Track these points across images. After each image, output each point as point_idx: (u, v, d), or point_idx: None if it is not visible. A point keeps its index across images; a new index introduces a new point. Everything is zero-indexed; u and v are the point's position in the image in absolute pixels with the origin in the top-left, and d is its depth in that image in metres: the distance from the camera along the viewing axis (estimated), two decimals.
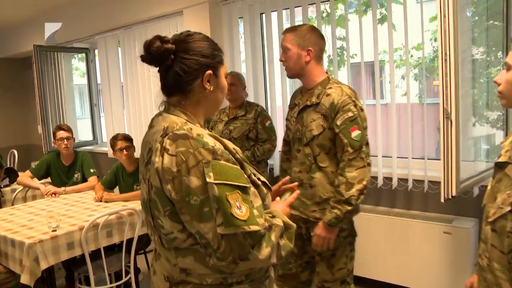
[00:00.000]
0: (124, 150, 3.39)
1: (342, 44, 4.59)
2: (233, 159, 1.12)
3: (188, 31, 1.24)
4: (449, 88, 2.09)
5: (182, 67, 1.17)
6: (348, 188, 1.94)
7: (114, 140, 3.44)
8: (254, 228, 1.06)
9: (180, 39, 1.20)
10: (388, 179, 3.09)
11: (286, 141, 2.35)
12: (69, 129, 3.79)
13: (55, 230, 2.57)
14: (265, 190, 1.21)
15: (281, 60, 2.11)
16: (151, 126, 1.23)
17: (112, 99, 5.01)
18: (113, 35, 4.79)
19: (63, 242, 2.52)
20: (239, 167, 1.12)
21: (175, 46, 1.18)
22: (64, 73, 5.61)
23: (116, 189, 3.63)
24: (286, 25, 2.77)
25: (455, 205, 2.84)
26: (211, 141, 1.10)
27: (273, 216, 1.18)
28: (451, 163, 2.14)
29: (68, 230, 2.58)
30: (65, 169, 3.83)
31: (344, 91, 2.00)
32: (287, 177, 1.51)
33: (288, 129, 2.27)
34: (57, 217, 2.67)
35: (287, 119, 2.30)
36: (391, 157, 3.05)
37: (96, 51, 5.27)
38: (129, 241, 2.86)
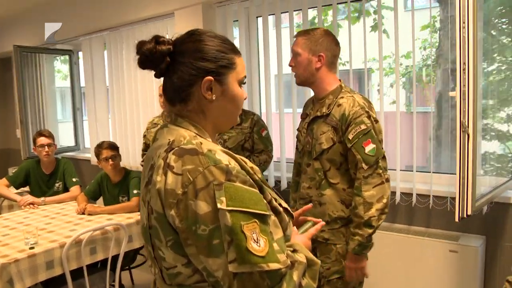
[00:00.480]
0: (110, 159, 3.18)
1: None
2: (251, 180, 0.93)
3: (196, 29, 1.06)
4: (466, 100, 1.94)
5: (176, 73, 1.01)
6: (367, 208, 1.78)
7: (99, 148, 3.23)
8: (273, 266, 0.87)
9: (180, 40, 1.04)
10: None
11: (299, 152, 2.18)
12: (50, 135, 3.55)
13: (33, 248, 2.34)
14: (286, 218, 1.03)
15: (290, 65, 1.95)
16: (154, 139, 1.05)
17: (97, 103, 4.77)
18: (99, 36, 4.57)
19: (41, 261, 2.29)
20: (257, 191, 0.94)
21: (173, 48, 1.01)
22: (45, 75, 5.34)
23: (100, 200, 3.41)
24: (273, 31, 2.61)
25: (460, 221, 2.70)
26: (224, 159, 0.92)
27: (295, 251, 1.00)
28: (467, 180, 1.99)
29: (48, 247, 2.36)
30: (45, 177, 3.58)
31: (357, 101, 1.84)
32: (310, 205, 1.34)
33: (298, 141, 2.12)
34: (36, 232, 2.45)
35: (298, 130, 2.15)
36: (394, 169, 2.90)
37: (80, 53, 5.02)
38: (114, 257, 2.65)
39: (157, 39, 1.01)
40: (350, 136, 1.81)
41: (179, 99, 1.03)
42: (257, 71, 3.61)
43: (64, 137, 5.96)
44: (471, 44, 1.91)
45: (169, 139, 0.98)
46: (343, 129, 1.83)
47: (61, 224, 2.81)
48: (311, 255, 1.01)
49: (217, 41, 1.03)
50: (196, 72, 1.00)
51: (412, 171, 2.82)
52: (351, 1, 3.05)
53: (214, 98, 1.01)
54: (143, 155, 3.47)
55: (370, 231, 1.77)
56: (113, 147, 3.23)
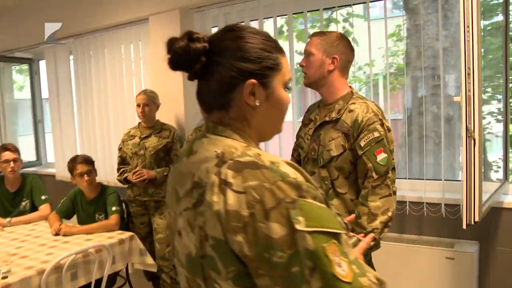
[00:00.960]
0: (85, 175, 2.95)
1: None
2: (320, 195, 0.80)
3: (234, 24, 0.93)
4: (472, 105, 1.92)
5: (214, 75, 0.88)
6: (371, 220, 1.70)
7: (72, 163, 2.99)
8: None
9: (217, 36, 0.91)
10: None
11: (297, 161, 2.07)
12: (16, 150, 3.27)
13: (6, 277, 2.09)
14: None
15: (301, 65, 1.86)
16: (190, 152, 0.90)
17: (62, 115, 4.49)
18: (64, 44, 4.30)
19: None
20: (327, 207, 0.81)
21: (210, 46, 0.88)
22: (4, 85, 4.99)
23: (74, 219, 3.16)
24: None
25: (453, 227, 2.69)
26: (290, 172, 0.78)
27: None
28: (474, 186, 1.96)
29: (24, 275, 2.11)
30: (10, 196, 3.29)
31: (370, 107, 1.77)
32: (353, 216, 1.23)
33: (300, 148, 2.01)
34: (8, 258, 2.20)
35: (298, 136, 2.04)
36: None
37: (42, 62, 4.72)
38: (96, 281, 2.43)
39: (190, 36, 0.87)
40: (362, 143, 1.73)
41: (218, 106, 0.90)
42: None
43: (23, 152, 5.56)
44: (476, 48, 1.89)
45: (215, 151, 0.84)
46: (355, 135, 1.75)
47: (34, 247, 2.55)
48: (378, 275, 0.89)
49: (260, 38, 0.90)
50: (237, 74, 0.87)
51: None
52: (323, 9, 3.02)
53: (257, 104, 0.89)
54: (119, 169, 3.26)
55: (371, 243, 1.68)
56: (88, 161, 3.01)
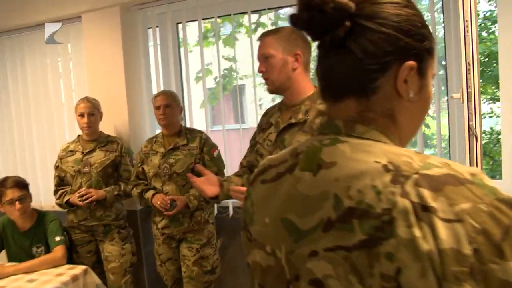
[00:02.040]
0: (17, 202, 2.44)
1: (231, 65, 4.32)
2: None
3: None
4: (472, 101, 1.86)
5: (363, 44, 0.63)
6: None
7: (0, 187, 2.46)
8: None
9: None
10: None
11: (249, 170, 1.88)
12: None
13: None
14: None
15: (261, 71, 1.67)
16: (319, 164, 0.63)
17: None
18: None
19: None
20: None
21: (356, 7, 0.63)
22: None
23: (2, 255, 2.61)
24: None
25: None
26: (495, 186, 0.56)
27: None
28: None
29: None
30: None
31: None
32: None
33: (258, 155, 1.81)
34: None
35: (255, 142, 1.85)
36: None
37: None
38: None
39: None
40: None
41: (355, 90, 0.65)
42: (180, 84, 3.20)
43: None
44: (474, 43, 1.83)
45: (376, 162, 0.58)
46: None
47: None
48: None
49: (415, 10, 0.66)
50: (395, 51, 0.63)
51: None
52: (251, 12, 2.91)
53: (411, 95, 0.65)
54: (57, 191, 2.78)
55: None
56: (21, 185, 2.50)
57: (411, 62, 0.63)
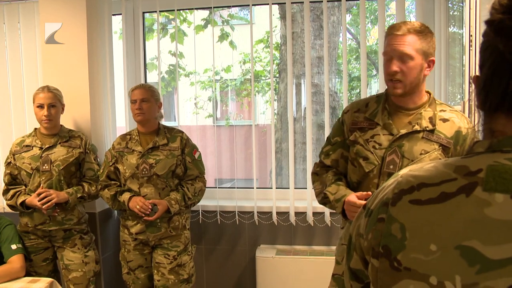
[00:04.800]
0: None
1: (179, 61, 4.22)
2: None
3: None
4: (474, 113, 1.94)
5: None
6: None
7: None
8: None
9: None
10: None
11: (366, 173, 1.66)
12: None
13: None
14: None
15: (394, 72, 1.54)
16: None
17: None
18: None
19: None
20: None
21: None
22: None
23: None
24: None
25: None
26: None
27: None
28: None
29: None
30: None
31: (464, 116, 1.63)
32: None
33: (360, 158, 1.64)
34: None
35: (358, 144, 1.66)
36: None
37: None
38: None
39: None
40: None
41: None
42: (143, 77, 3.01)
43: None
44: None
45: None
46: (458, 149, 1.56)
47: None
48: None
49: None
50: None
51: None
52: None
53: None
54: (7, 190, 2.43)
55: None
56: None
57: None
